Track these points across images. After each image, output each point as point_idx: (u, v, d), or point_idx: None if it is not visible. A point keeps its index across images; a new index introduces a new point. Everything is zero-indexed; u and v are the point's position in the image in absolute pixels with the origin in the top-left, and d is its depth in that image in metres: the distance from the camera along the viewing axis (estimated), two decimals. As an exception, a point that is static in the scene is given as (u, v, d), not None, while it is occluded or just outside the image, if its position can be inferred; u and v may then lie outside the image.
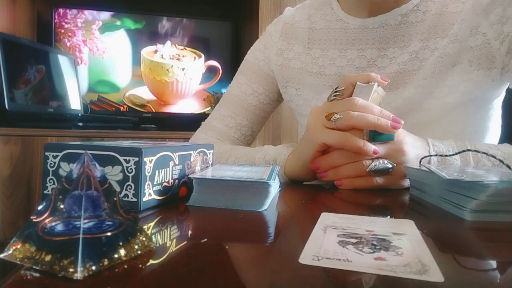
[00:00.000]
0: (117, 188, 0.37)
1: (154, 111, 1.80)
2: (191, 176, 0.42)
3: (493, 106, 0.72)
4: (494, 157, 0.50)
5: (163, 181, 0.41)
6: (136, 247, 0.25)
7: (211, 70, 1.85)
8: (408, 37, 0.70)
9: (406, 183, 0.55)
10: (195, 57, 1.82)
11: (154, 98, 1.80)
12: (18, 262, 0.23)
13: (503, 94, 0.73)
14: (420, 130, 0.65)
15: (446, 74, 0.68)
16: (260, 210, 0.39)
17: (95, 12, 1.71)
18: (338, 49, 0.76)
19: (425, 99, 0.69)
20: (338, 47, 0.76)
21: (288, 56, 0.82)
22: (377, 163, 0.53)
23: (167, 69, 1.78)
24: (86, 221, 0.23)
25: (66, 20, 1.69)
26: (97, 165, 0.25)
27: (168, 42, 1.79)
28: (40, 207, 0.24)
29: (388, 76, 0.71)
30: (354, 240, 0.29)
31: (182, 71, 1.79)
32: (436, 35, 0.69)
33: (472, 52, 0.66)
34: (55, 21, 1.67)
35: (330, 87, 0.75)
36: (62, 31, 1.69)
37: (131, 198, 0.37)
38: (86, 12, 1.71)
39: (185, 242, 0.30)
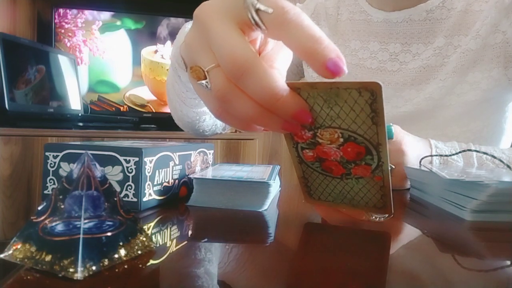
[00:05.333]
0: (117, 188, 0.37)
1: (154, 111, 1.79)
2: (191, 176, 0.42)
3: (509, 108, 0.73)
4: (494, 157, 0.50)
5: (163, 181, 0.41)
6: (136, 247, 0.25)
7: (211, 70, 1.85)
8: (432, 34, 0.71)
9: (407, 184, 0.55)
10: (195, 57, 1.82)
11: (154, 98, 1.79)
12: (18, 262, 0.23)
13: None
14: (440, 129, 0.66)
15: (467, 71, 0.68)
16: (260, 210, 0.39)
17: (95, 12, 1.71)
18: (360, 41, 0.76)
19: (446, 95, 0.69)
20: (361, 38, 0.76)
21: None
22: None
23: (167, 69, 1.78)
24: (86, 221, 0.23)
25: (66, 20, 1.69)
26: (97, 165, 0.25)
27: (168, 42, 1.78)
28: (40, 207, 0.24)
29: (411, 71, 0.72)
30: None
31: (182, 71, 1.79)
32: (460, 33, 0.69)
33: (493, 50, 0.67)
34: (55, 21, 1.67)
35: (349, 74, 0.76)
36: (62, 31, 1.69)
37: (131, 198, 0.37)
38: (86, 12, 1.70)
39: (185, 242, 0.30)
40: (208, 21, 0.29)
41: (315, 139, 0.33)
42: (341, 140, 0.32)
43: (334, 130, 0.31)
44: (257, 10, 0.27)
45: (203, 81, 0.30)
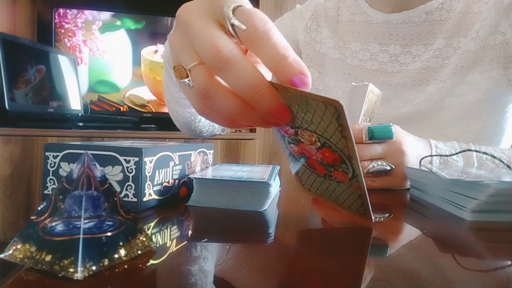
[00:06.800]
0: (117, 188, 0.37)
1: (154, 111, 1.79)
2: (191, 176, 0.42)
3: (509, 109, 0.73)
4: (494, 157, 0.50)
5: (163, 181, 0.41)
6: (136, 247, 0.25)
7: (211, 70, 1.85)
8: (432, 35, 0.71)
9: (407, 184, 0.55)
10: (195, 57, 1.82)
11: (155, 98, 1.79)
12: (18, 262, 0.23)
13: None
14: (440, 130, 0.66)
15: (467, 72, 0.69)
16: (260, 210, 0.39)
17: (95, 12, 1.71)
18: (361, 42, 0.77)
19: (446, 96, 0.70)
20: (361, 40, 0.77)
21: (315, 38, 0.83)
22: (376, 165, 0.52)
23: (167, 69, 1.78)
24: (86, 221, 0.23)
25: (66, 20, 1.69)
26: (97, 165, 0.25)
27: (168, 42, 1.79)
28: (40, 207, 0.24)
29: (411, 73, 0.72)
30: None
31: (182, 71, 1.79)
32: (460, 34, 0.70)
33: (492, 51, 0.67)
34: (55, 21, 1.67)
35: (350, 75, 0.76)
36: (62, 31, 1.69)
37: (131, 198, 0.37)
38: (86, 12, 1.71)
39: (185, 242, 0.30)
40: (190, 20, 0.30)
41: (297, 137, 0.33)
42: (318, 144, 0.32)
43: (311, 134, 0.31)
44: (232, 25, 0.28)
45: (186, 80, 0.30)
